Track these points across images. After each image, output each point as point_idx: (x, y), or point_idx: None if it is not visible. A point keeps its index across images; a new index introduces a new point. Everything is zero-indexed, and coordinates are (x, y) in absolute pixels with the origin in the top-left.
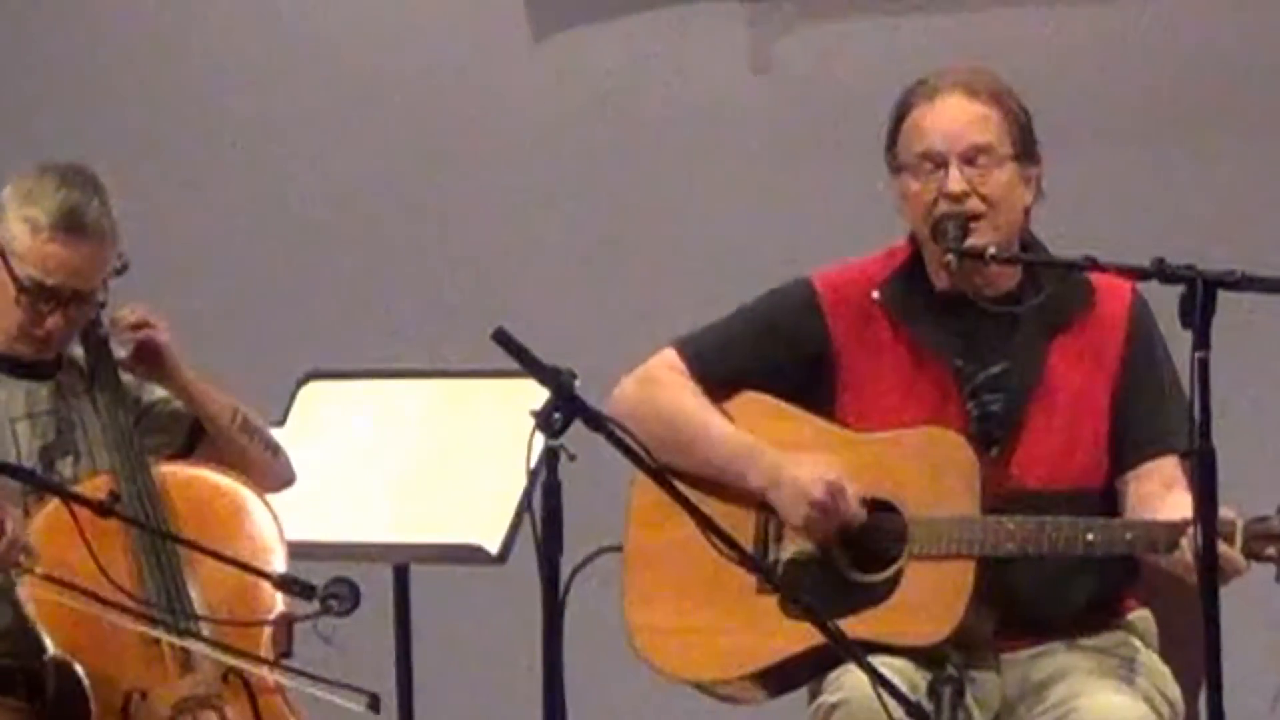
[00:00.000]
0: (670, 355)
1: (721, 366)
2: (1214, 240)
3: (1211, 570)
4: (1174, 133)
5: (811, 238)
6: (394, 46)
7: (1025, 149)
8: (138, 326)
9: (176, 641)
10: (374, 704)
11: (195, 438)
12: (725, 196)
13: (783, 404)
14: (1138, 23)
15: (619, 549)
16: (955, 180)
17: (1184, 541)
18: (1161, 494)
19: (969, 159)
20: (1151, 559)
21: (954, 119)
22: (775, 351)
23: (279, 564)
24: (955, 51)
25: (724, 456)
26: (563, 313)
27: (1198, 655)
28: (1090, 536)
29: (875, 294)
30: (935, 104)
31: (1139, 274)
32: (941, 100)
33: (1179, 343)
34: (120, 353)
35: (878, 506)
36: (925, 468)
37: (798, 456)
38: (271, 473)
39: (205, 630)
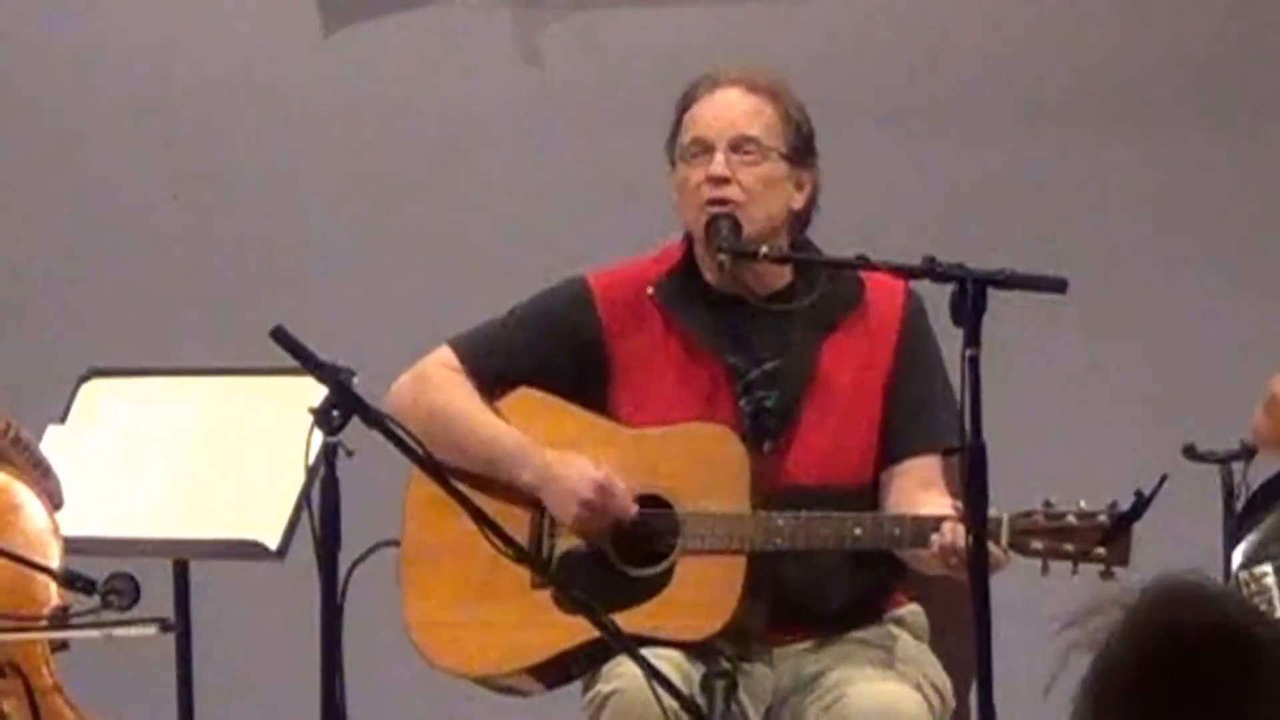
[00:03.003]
0: (445, 353)
1: (496, 364)
2: (987, 236)
3: (982, 562)
4: (946, 127)
5: (591, 232)
6: (181, 39)
7: (799, 152)
8: None
9: None
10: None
11: None
12: (502, 192)
13: (556, 400)
14: (910, 13)
15: (396, 544)
16: (718, 164)
17: (933, 536)
18: (917, 492)
19: (736, 146)
20: (909, 557)
21: (727, 108)
22: (549, 348)
23: (54, 559)
24: (725, 41)
25: (496, 454)
26: (345, 310)
27: (968, 646)
28: (857, 531)
29: (649, 290)
30: (714, 95)
31: (910, 273)
32: (720, 92)
33: (951, 340)
34: None
35: (650, 502)
36: (697, 463)
37: (568, 456)
38: (40, 493)
39: None
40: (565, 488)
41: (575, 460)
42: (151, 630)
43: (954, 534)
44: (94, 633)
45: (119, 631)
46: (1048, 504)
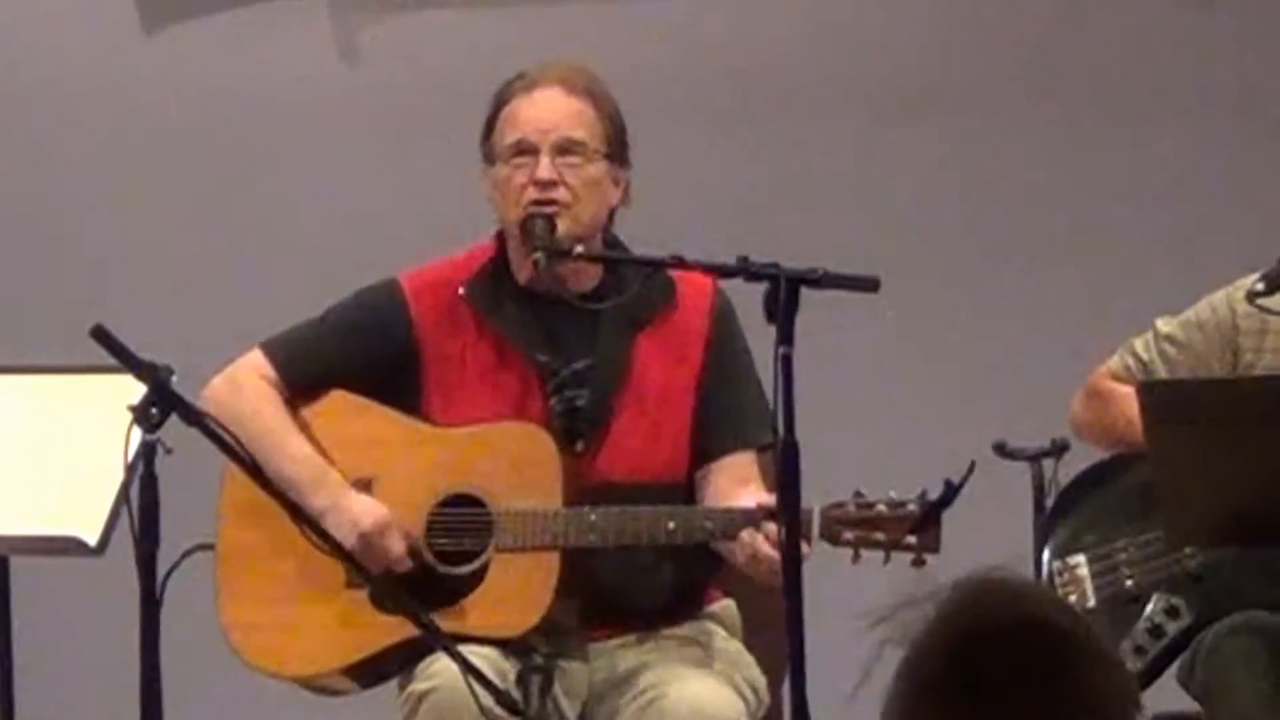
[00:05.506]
0: (257, 357)
1: (308, 366)
2: (799, 233)
3: (795, 559)
4: (758, 125)
5: (406, 231)
6: None
7: (616, 150)
8: None
9: None
10: None
11: None
12: (318, 191)
13: (368, 402)
14: (722, 12)
15: (211, 548)
16: (545, 168)
17: (743, 534)
18: (734, 490)
19: (561, 149)
20: (725, 551)
21: (550, 111)
22: (362, 351)
23: None
24: (540, 41)
25: (295, 475)
26: (163, 308)
27: (781, 642)
28: (671, 525)
29: (461, 290)
30: (533, 95)
31: (723, 271)
32: (539, 92)
33: (764, 338)
34: None
35: (463, 501)
36: (509, 462)
37: (364, 496)
38: None
39: None
40: (348, 519)
41: (369, 499)
42: None
43: (755, 541)
44: None
45: None
46: (858, 494)
